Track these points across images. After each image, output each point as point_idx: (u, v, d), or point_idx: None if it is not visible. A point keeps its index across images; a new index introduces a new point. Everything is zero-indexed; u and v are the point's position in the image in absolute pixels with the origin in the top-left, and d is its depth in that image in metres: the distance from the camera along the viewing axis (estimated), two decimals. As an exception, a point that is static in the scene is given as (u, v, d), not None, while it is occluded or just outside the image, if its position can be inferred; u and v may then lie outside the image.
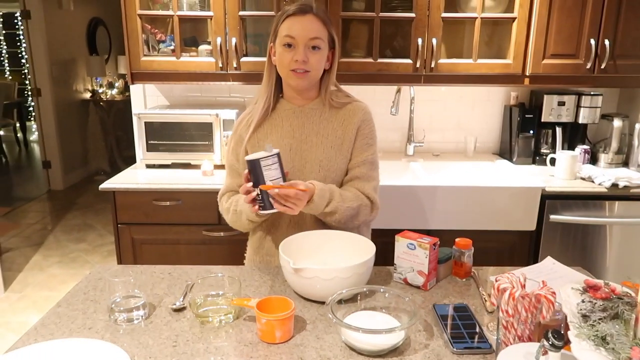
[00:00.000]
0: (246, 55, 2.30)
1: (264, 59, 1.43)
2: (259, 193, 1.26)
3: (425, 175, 2.30)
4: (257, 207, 1.28)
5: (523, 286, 0.93)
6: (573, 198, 2.12)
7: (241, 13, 2.22)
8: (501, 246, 2.15)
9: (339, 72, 1.46)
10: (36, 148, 7.31)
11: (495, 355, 0.97)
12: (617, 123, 2.36)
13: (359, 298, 1.12)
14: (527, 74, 2.28)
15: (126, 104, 5.13)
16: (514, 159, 2.49)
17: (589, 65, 2.24)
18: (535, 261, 2.14)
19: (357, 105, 1.46)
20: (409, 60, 2.27)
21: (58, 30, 5.20)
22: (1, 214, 4.62)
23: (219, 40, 2.23)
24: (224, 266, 1.42)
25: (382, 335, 0.97)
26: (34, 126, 7.32)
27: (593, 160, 2.45)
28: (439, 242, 1.26)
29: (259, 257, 1.51)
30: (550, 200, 2.11)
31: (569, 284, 0.93)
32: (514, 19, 2.24)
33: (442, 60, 2.28)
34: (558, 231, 2.15)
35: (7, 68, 8.27)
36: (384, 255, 1.40)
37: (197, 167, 2.32)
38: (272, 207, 1.27)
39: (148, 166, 2.38)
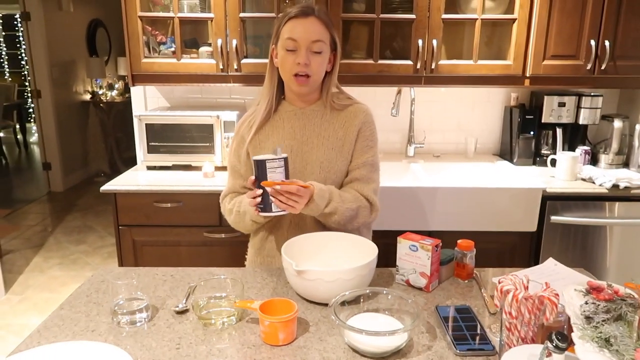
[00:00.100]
0: (247, 56, 2.30)
1: (265, 60, 1.43)
2: (261, 195, 1.26)
3: (425, 176, 2.30)
4: (257, 209, 1.28)
5: (526, 288, 0.93)
6: (574, 199, 2.13)
7: (242, 15, 2.22)
8: (502, 247, 2.15)
9: (340, 74, 1.46)
10: (36, 150, 7.30)
11: (499, 357, 0.97)
12: (617, 124, 2.36)
13: (361, 300, 1.12)
14: (528, 75, 2.28)
15: (126, 105, 5.14)
16: (515, 160, 2.49)
17: (589, 66, 2.25)
18: (536, 262, 2.14)
19: (359, 107, 1.46)
20: (409, 62, 2.27)
21: (58, 32, 5.20)
22: (1, 215, 4.62)
23: (219, 41, 2.23)
24: (226, 268, 1.42)
25: (385, 337, 0.97)
26: (34, 128, 7.33)
27: (593, 161, 2.45)
28: (441, 244, 1.26)
29: (260, 258, 1.52)
30: (551, 201, 2.11)
31: (572, 285, 0.93)
32: (514, 20, 2.24)
33: (442, 62, 2.28)
34: (558, 232, 2.15)
35: (7, 69, 8.27)
36: (385, 256, 1.40)
37: (198, 168, 2.32)
38: (271, 210, 1.27)
39: (149, 168, 2.38)
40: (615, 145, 2.38)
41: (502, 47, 2.40)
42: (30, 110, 7.72)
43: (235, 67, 2.25)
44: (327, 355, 0.99)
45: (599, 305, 0.85)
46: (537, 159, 2.49)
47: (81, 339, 1.05)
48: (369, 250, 1.25)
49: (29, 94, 6.59)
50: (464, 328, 1.07)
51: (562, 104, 2.39)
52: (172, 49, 2.35)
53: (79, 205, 4.92)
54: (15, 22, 7.84)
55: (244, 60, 2.27)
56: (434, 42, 2.23)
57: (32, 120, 7.98)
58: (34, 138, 7.84)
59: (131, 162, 2.61)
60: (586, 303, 0.87)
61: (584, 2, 2.19)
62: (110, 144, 5.85)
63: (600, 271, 2.20)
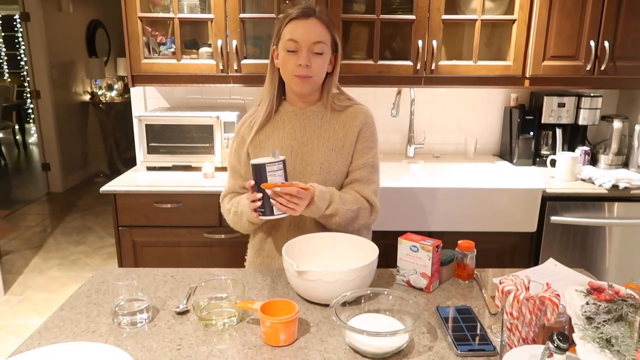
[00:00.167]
0: (247, 57, 2.30)
1: (265, 61, 1.44)
2: (261, 198, 1.26)
3: (425, 176, 2.30)
4: (257, 213, 1.28)
5: (527, 288, 0.93)
6: (573, 199, 2.13)
7: (242, 15, 2.22)
8: (502, 247, 2.16)
9: (340, 74, 1.46)
10: (35, 150, 7.30)
11: (500, 357, 0.97)
12: (617, 124, 2.37)
13: (362, 300, 1.12)
14: (527, 76, 2.28)
15: (125, 106, 5.13)
16: (514, 161, 2.49)
17: (588, 67, 2.25)
18: (536, 262, 2.14)
19: (359, 108, 1.46)
20: (409, 62, 2.27)
21: (57, 33, 5.19)
22: (1, 216, 4.61)
23: (219, 42, 2.23)
24: (226, 269, 1.42)
25: (386, 337, 0.97)
26: (33, 128, 7.32)
27: (593, 161, 2.46)
28: (441, 245, 1.27)
29: (259, 259, 1.52)
30: (550, 202, 2.12)
31: (573, 286, 0.93)
32: (514, 20, 2.24)
33: (442, 62, 2.28)
34: (558, 232, 2.15)
35: (6, 70, 8.26)
36: (386, 257, 1.39)
37: (197, 169, 2.32)
38: (272, 213, 1.27)
39: (149, 168, 2.38)
40: (614, 146, 2.39)
41: (501, 47, 2.40)
42: (30, 110, 7.71)
43: (235, 67, 2.25)
44: (328, 356, 0.99)
45: (600, 305, 0.86)
46: (536, 159, 2.49)
47: (82, 340, 1.05)
48: (370, 251, 1.25)
49: (29, 95, 6.58)
50: (465, 328, 1.07)
51: (561, 105, 2.39)
52: (172, 50, 2.35)
53: (78, 206, 4.91)
54: (15, 23, 7.83)
55: (244, 61, 2.27)
56: (434, 42, 2.23)
57: (31, 120, 7.97)
58: (33, 139, 7.84)
59: (131, 162, 2.61)
60: (587, 304, 0.87)
61: (583, 3, 2.19)
62: (110, 145, 5.84)
63: (600, 271, 2.20)
